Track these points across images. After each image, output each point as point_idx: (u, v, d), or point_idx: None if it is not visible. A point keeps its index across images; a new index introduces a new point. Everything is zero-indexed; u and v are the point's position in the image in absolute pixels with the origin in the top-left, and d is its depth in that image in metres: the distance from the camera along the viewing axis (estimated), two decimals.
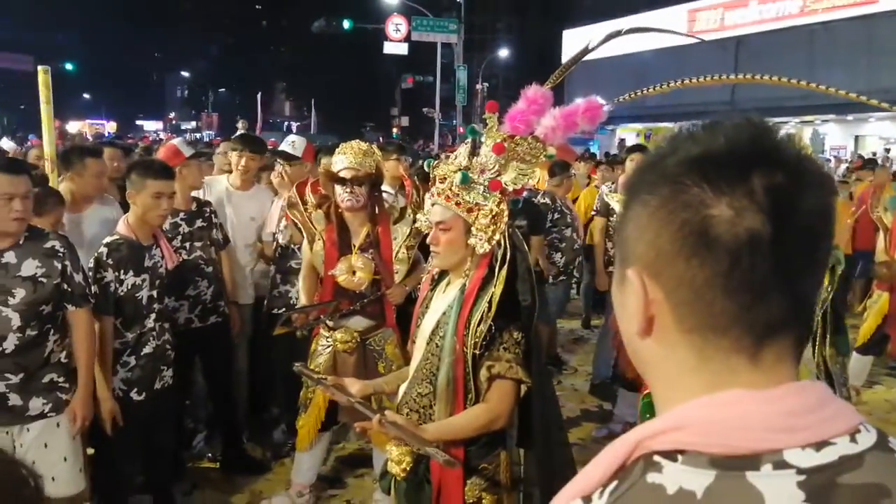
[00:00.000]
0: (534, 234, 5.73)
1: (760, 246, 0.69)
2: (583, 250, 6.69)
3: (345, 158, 3.63)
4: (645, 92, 1.99)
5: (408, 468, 2.43)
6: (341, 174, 3.61)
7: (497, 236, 2.28)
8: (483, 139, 2.29)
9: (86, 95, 52.61)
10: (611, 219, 6.09)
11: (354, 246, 3.71)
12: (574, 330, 7.99)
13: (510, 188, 2.28)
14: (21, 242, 3.06)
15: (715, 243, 0.70)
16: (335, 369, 3.67)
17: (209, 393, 4.76)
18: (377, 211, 3.78)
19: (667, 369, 0.77)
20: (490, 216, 2.27)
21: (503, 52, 38.28)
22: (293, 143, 4.89)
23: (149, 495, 3.98)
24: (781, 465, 0.68)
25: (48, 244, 3.12)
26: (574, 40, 34.48)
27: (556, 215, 6.23)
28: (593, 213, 6.51)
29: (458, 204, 2.30)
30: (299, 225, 3.88)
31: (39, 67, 4.16)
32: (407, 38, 27.05)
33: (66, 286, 3.15)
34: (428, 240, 2.42)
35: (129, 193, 3.69)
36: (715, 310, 0.71)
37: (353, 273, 3.68)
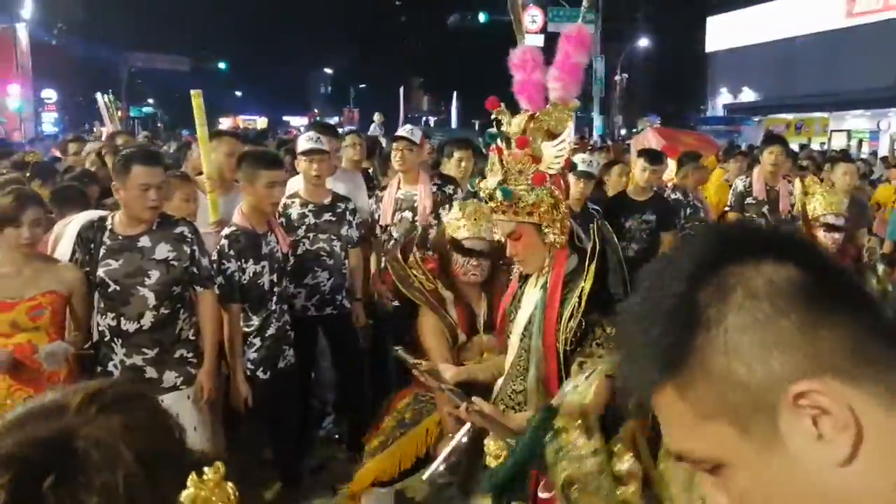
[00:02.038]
0: (663, 231, 5.51)
1: None
2: None
3: (468, 224, 3.16)
4: None
5: None
6: (466, 244, 3.15)
7: (567, 221, 2.20)
8: (507, 138, 2.23)
9: (237, 93, 55.69)
10: (744, 214, 5.79)
11: (480, 325, 3.25)
12: None
13: (554, 170, 2.21)
14: (153, 228, 3.29)
15: None
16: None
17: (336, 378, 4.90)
18: (493, 280, 3.25)
19: None
20: (550, 206, 2.21)
21: (642, 42, 37.04)
22: (411, 131, 4.97)
23: (277, 471, 4.15)
24: None
25: (178, 230, 3.34)
26: (719, 28, 32.50)
27: (689, 210, 5.97)
28: (727, 208, 6.19)
29: (515, 213, 2.24)
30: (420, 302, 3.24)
31: (192, 91, 4.11)
32: (543, 30, 26.72)
33: (194, 269, 3.36)
34: (508, 253, 2.35)
35: (241, 184, 3.85)
36: None
37: (482, 355, 3.20)
